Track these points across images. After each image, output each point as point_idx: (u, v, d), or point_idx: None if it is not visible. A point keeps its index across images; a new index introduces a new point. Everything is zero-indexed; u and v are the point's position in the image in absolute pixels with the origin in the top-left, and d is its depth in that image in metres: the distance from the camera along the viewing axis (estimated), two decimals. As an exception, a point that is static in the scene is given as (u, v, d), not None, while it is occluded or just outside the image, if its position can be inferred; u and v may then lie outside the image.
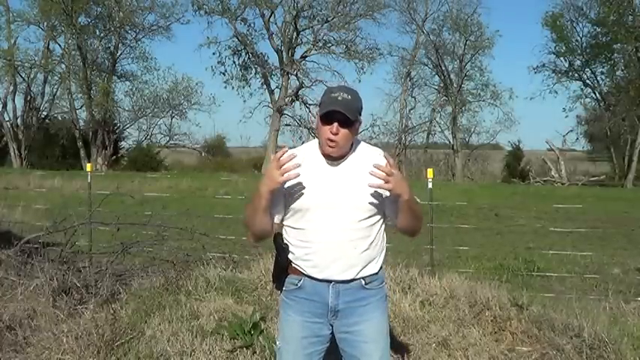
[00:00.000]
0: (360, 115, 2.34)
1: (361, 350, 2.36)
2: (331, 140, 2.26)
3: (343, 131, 2.26)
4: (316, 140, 2.39)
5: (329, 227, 2.29)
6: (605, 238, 9.92)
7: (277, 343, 2.48)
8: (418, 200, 2.42)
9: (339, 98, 2.25)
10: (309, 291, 2.35)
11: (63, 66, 32.26)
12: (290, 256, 2.38)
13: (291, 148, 2.50)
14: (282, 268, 2.41)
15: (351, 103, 2.26)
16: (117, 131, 34.32)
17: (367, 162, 2.33)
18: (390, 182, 2.20)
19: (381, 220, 2.38)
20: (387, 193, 2.28)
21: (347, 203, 2.29)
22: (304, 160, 2.33)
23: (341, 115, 2.23)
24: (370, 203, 2.31)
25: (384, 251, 2.44)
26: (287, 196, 2.33)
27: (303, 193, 2.30)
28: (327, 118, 2.25)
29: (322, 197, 2.29)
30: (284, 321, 2.45)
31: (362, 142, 2.43)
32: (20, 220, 8.26)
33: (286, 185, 2.31)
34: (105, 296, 4.70)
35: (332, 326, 2.39)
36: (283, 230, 2.41)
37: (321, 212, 2.30)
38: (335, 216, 2.29)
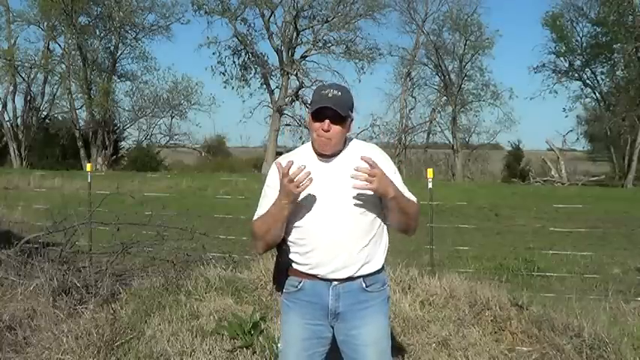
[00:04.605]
0: (352, 111, 2.33)
1: (362, 354, 2.35)
2: (323, 137, 2.26)
3: (335, 127, 2.26)
4: (309, 143, 2.39)
5: (328, 224, 2.29)
6: (605, 238, 9.92)
7: (279, 345, 2.48)
8: (413, 198, 2.38)
9: (329, 95, 2.25)
10: (310, 293, 2.35)
11: (63, 66, 32.34)
12: (291, 256, 2.37)
13: (290, 149, 2.50)
14: (282, 270, 2.41)
15: (341, 99, 2.26)
16: (117, 131, 34.35)
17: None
18: (373, 183, 2.18)
19: (380, 216, 2.37)
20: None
21: (344, 199, 2.29)
22: (299, 161, 2.33)
23: (332, 112, 2.23)
24: (367, 198, 2.30)
25: (386, 250, 2.42)
26: None
27: (300, 194, 2.29)
28: (318, 115, 2.25)
29: (318, 195, 2.29)
30: (285, 323, 2.45)
31: (355, 140, 2.43)
32: (20, 220, 8.27)
33: None
34: (105, 296, 4.69)
35: (333, 328, 2.38)
36: None
37: (318, 209, 2.29)
38: (333, 212, 2.28)
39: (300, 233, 2.33)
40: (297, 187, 2.18)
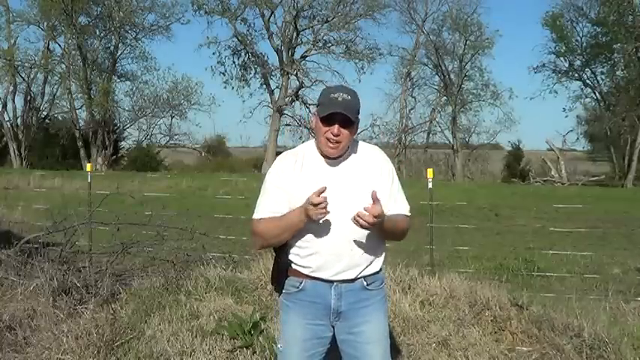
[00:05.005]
0: (359, 114, 2.34)
1: (363, 351, 2.36)
2: (333, 141, 2.26)
3: (344, 132, 2.26)
4: (313, 140, 2.39)
5: (331, 227, 2.29)
6: (605, 238, 9.92)
7: (279, 345, 2.47)
8: (405, 210, 2.41)
9: (340, 99, 2.25)
10: (311, 293, 2.35)
11: (63, 66, 32.35)
12: (291, 257, 2.37)
13: (290, 148, 2.49)
14: (282, 270, 2.40)
15: (351, 103, 2.26)
16: (117, 131, 34.37)
17: (366, 160, 2.36)
18: (375, 224, 2.18)
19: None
20: (385, 193, 2.30)
21: (349, 202, 2.28)
22: (304, 160, 2.33)
23: (342, 117, 2.24)
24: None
25: (386, 250, 2.44)
26: (290, 197, 2.32)
27: (304, 194, 2.27)
28: (328, 119, 2.25)
29: (324, 197, 2.28)
30: (285, 323, 2.44)
31: (359, 141, 2.43)
32: (20, 220, 8.26)
33: (288, 187, 2.31)
34: (105, 296, 4.69)
35: (333, 328, 2.39)
36: None
37: None
38: (337, 215, 2.27)
39: (305, 235, 2.32)
40: (318, 216, 2.18)
